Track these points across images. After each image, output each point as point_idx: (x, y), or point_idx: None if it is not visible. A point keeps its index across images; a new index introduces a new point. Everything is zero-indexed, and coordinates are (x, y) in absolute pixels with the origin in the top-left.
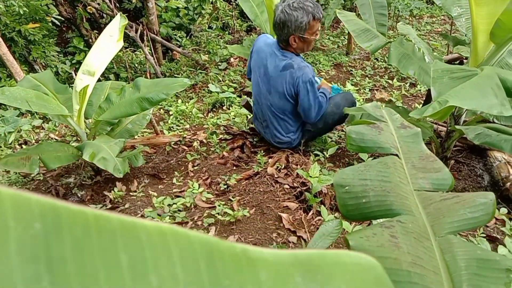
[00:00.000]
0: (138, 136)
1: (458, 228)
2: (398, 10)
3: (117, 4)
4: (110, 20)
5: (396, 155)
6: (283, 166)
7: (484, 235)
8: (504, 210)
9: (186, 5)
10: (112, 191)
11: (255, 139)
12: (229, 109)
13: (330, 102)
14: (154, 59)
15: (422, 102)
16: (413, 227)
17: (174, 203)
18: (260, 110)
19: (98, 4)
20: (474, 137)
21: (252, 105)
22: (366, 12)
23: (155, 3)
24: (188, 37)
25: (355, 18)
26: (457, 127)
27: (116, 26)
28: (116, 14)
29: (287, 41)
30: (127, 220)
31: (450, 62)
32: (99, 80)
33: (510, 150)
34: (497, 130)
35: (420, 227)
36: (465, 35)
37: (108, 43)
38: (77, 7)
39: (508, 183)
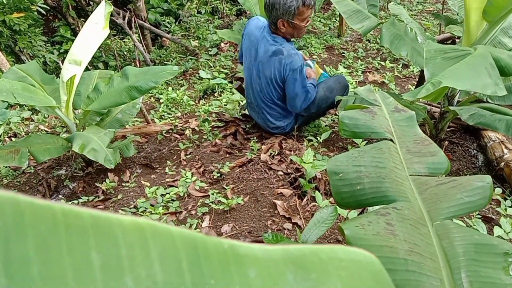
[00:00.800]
0: (129, 126)
1: (455, 213)
2: None
3: None
4: (97, 7)
5: (391, 139)
6: (276, 153)
7: (480, 217)
8: (498, 190)
9: None
10: (104, 182)
11: (247, 126)
12: (220, 95)
13: (323, 86)
14: (143, 46)
15: (415, 83)
16: (409, 213)
17: (167, 193)
18: (252, 95)
19: None
20: (468, 118)
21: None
22: None
23: None
24: (177, 23)
25: None
26: (450, 108)
27: (101, 13)
28: (102, 1)
29: (276, 24)
30: (101, 216)
31: (442, 42)
32: (87, 69)
33: (504, 130)
34: (491, 110)
35: (416, 213)
36: (457, 14)
37: (94, 31)
38: None
39: (502, 163)
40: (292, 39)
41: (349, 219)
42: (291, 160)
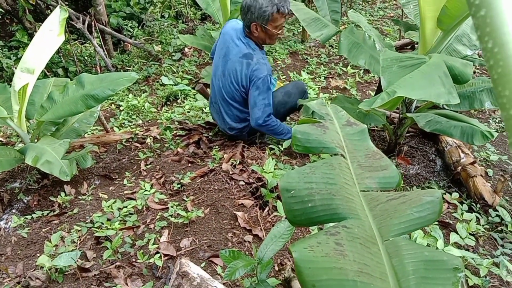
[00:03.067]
0: (88, 135)
1: (405, 229)
2: None
3: None
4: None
5: (342, 155)
6: (238, 162)
7: (437, 223)
8: (456, 195)
9: None
10: (59, 196)
11: (210, 134)
12: (183, 102)
13: (281, 91)
14: (104, 51)
15: (376, 88)
16: (359, 232)
17: (124, 207)
18: (214, 92)
19: None
20: (425, 125)
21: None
22: None
23: None
24: (140, 27)
25: (304, 8)
26: (408, 114)
27: (56, 19)
28: (61, 4)
29: (249, 28)
30: None
31: (402, 47)
32: (45, 76)
33: (459, 137)
34: (447, 116)
35: (366, 232)
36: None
37: (48, 38)
38: None
39: (459, 167)
40: (264, 46)
41: (298, 240)
42: (253, 169)
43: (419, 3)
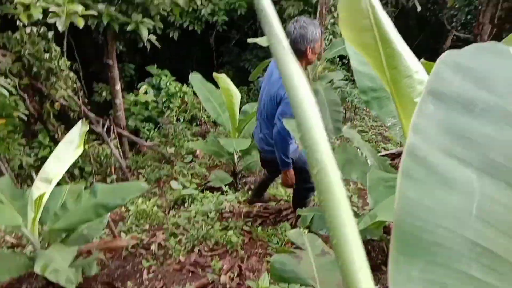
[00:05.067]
0: (96, 239)
1: None
2: (355, 103)
3: (86, 99)
4: (79, 115)
5: (313, 286)
6: (235, 274)
7: None
8: None
9: (155, 99)
10: None
11: (212, 242)
12: (190, 206)
13: None
14: (119, 152)
15: None
16: None
17: None
18: (259, 113)
19: (66, 100)
20: None
21: None
22: (321, 108)
23: (124, 97)
24: (156, 129)
25: None
26: None
27: (77, 133)
28: (84, 110)
29: (303, 53)
30: None
31: (400, 154)
32: (62, 177)
33: None
34: None
35: None
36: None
37: (68, 150)
38: (44, 103)
39: None
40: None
41: None
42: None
43: (403, 127)
